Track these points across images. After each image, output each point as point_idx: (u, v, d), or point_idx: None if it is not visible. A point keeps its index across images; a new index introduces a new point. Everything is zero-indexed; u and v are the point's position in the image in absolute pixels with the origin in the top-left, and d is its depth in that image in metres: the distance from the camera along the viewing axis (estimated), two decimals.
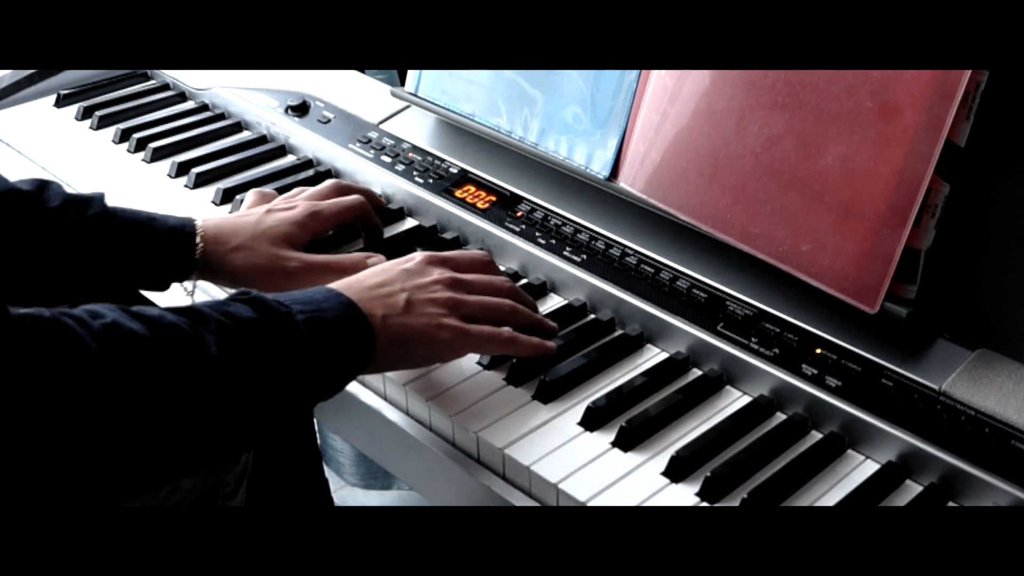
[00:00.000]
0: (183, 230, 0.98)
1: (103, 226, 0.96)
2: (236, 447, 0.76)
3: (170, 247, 0.98)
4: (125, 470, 0.69)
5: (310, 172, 1.23)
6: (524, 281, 1.04)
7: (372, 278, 0.87)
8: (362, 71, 1.38)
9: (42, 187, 0.96)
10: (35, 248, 0.94)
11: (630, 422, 0.85)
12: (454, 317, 0.87)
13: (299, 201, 1.05)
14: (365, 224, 1.09)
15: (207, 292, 1.07)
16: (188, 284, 1.03)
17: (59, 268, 0.95)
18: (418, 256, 0.91)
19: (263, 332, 0.75)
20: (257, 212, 1.03)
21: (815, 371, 0.87)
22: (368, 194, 1.11)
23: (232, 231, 1.00)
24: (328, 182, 1.10)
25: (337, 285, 0.84)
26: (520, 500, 0.83)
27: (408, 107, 1.26)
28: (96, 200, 0.97)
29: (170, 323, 0.71)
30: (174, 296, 1.06)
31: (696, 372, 0.93)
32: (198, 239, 0.98)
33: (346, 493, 1.90)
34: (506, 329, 0.90)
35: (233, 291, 0.94)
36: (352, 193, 1.09)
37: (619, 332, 0.98)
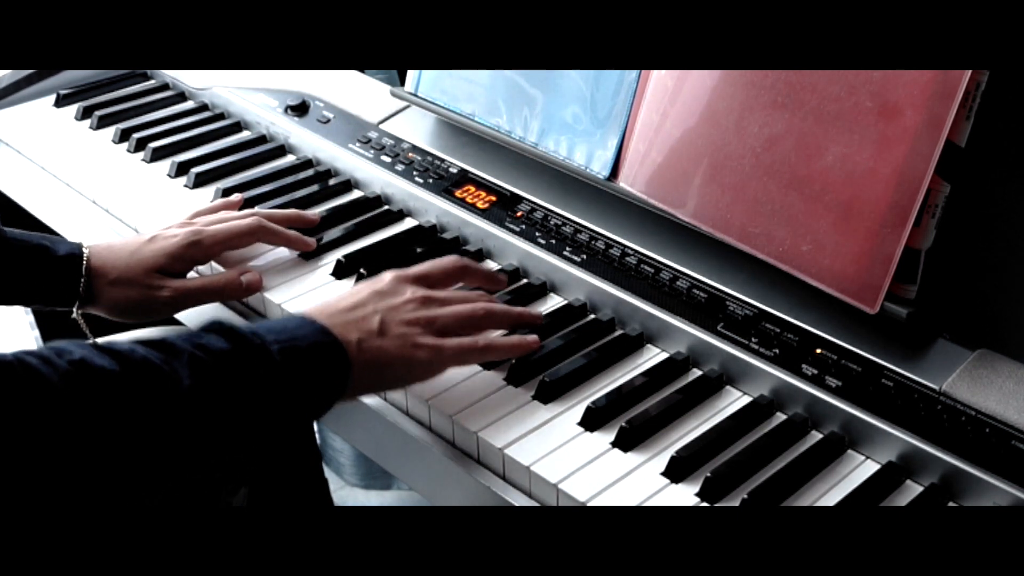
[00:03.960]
0: (74, 257, 0.97)
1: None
2: (213, 475, 0.75)
3: (60, 275, 0.96)
4: (100, 502, 0.68)
5: (310, 172, 1.23)
6: (524, 281, 1.04)
7: (344, 301, 0.86)
8: (362, 71, 1.38)
9: None
10: None
11: (630, 422, 0.85)
12: (428, 334, 0.86)
13: (182, 228, 1.03)
14: (273, 242, 1.07)
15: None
16: (77, 315, 1.01)
17: None
18: (388, 276, 0.90)
19: (237, 363, 0.74)
20: (139, 240, 1.01)
21: (815, 371, 0.87)
22: (290, 217, 1.09)
23: (113, 262, 0.98)
24: (227, 213, 1.08)
25: (310, 311, 0.83)
26: (520, 500, 0.83)
27: (408, 107, 1.25)
28: None
29: (141, 357, 0.70)
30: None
31: (696, 372, 0.93)
32: (83, 270, 0.97)
33: (346, 493, 1.90)
34: (481, 337, 0.89)
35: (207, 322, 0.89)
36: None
37: (619, 332, 0.98)
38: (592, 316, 1.00)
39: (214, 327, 0.76)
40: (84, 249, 0.98)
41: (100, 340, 0.72)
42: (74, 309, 0.99)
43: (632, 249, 1.00)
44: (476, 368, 0.92)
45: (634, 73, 1.01)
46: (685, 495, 0.80)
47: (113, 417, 0.67)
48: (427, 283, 0.91)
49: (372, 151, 1.20)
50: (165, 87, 1.44)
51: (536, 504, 0.83)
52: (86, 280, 0.97)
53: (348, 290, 0.88)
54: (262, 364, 0.75)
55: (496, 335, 0.93)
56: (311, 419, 0.80)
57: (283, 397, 0.76)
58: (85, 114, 1.36)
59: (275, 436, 0.77)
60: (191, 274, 1.04)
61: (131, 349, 0.70)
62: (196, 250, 1.01)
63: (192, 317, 1.06)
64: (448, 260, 0.95)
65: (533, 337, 0.92)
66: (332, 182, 1.21)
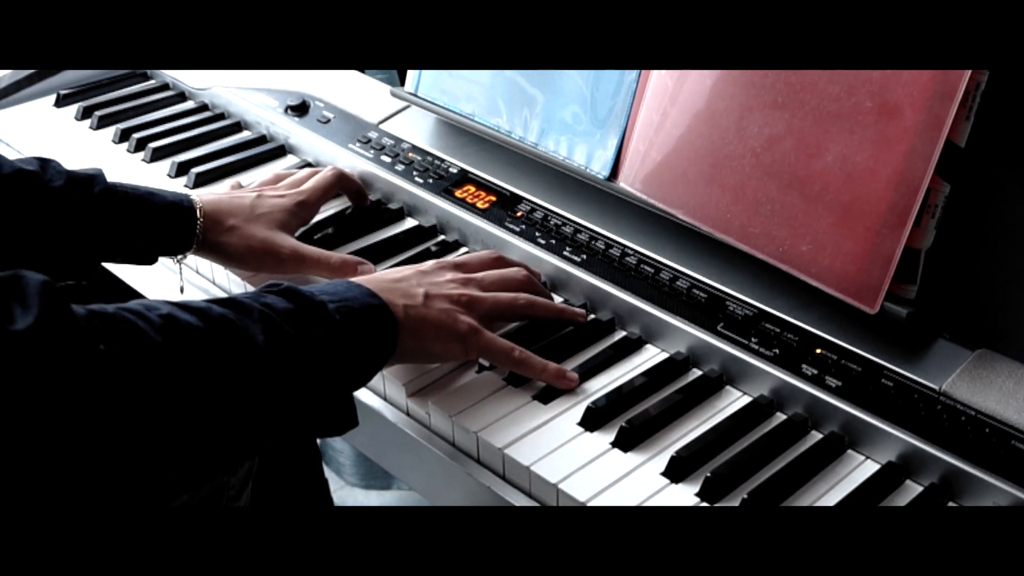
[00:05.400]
0: (182, 205, 1.01)
1: (108, 202, 0.98)
2: (279, 437, 0.78)
3: (171, 222, 1.00)
4: (182, 460, 0.71)
5: None
6: None
7: (389, 274, 0.90)
8: (362, 71, 1.38)
9: (43, 165, 0.98)
10: (41, 226, 0.96)
11: (630, 422, 0.85)
12: (470, 316, 0.89)
13: (284, 190, 1.08)
14: (347, 190, 1.14)
15: (193, 268, 1.08)
16: (179, 260, 1.05)
17: (62, 243, 0.97)
18: (430, 262, 0.94)
19: (302, 322, 0.76)
20: (250, 195, 1.05)
21: (815, 371, 0.87)
22: (347, 180, 1.15)
23: (228, 211, 1.02)
24: (305, 170, 1.14)
25: (356, 279, 0.86)
26: (520, 500, 0.83)
27: (408, 107, 1.26)
28: (98, 177, 0.99)
29: (219, 315, 0.73)
30: (156, 273, 1.08)
31: (696, 372, 0.93)
32: (199, 214, 1.00)
33: (346, 493, 1.90)
34: (520, 349, 0.90)
35: (227, 269, 0.97)
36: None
37: (619, 332, 0.98)
38: (592, 316, 1.00)
39: (274, 288, 0.79)
40: (192, 196, 1.02)
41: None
42: (187, 253, 1.02)
43: (632, 249, 1.00)
44: (476, 368, 0.93)
45: (634, 73, 1.01)
46: (685, 495, 0.80)
47: (201, 371, 0.70)
48: (465, 271, 0.95)
49: (372, 151, 1.20)
50: (165, 87, 1.44)
51: (536, 504, 0.83)
52: (202, 223, 1.00)
53: (392, 268, 0.92)
54: (324, 323, 0.77)
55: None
56: (362, 382, 0.83)
57: (342, 355, 0.78)
58: (85, 114, 1.36)
59: (331, 398, 0.79)
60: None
61: (208, 307, 0.73)
62: (305, 209, 1.08)
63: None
64: (485, 252, 1.00)
65: (574, 376, 0.90)
66: None
